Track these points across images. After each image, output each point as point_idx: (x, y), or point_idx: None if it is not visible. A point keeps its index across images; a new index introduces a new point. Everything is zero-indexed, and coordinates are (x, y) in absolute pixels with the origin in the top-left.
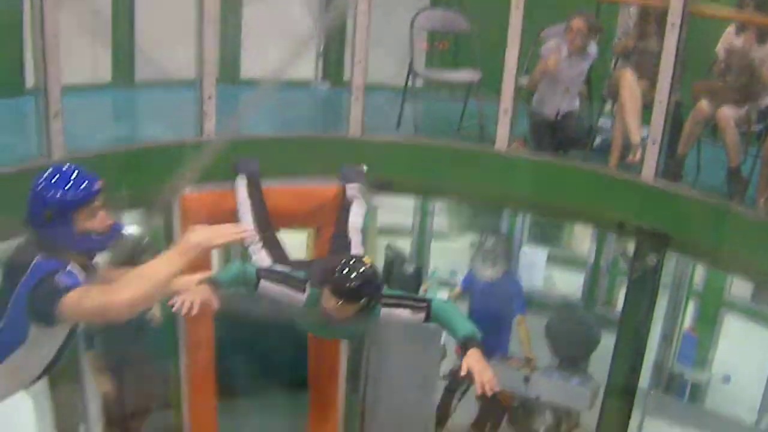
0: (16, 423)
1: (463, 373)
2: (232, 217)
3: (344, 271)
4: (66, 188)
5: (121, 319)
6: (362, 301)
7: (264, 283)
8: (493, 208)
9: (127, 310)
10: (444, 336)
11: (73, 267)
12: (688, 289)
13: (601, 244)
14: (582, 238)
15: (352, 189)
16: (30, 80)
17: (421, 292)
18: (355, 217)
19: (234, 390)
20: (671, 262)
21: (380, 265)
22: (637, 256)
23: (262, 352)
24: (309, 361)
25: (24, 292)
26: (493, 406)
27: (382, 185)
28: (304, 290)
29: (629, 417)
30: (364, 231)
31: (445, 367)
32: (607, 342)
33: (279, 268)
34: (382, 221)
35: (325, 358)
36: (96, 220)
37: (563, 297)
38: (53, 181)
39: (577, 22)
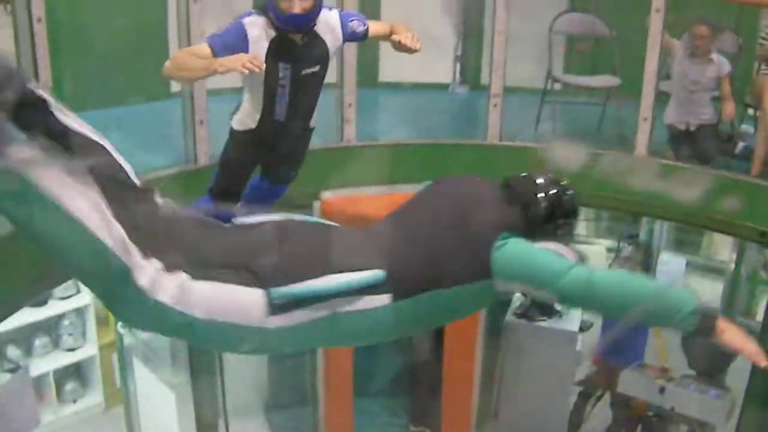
0: (160, 415)
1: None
2: (364, 220)
3: None
4: None
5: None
6: None
7: None
8: (632, 215)
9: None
10: (580, 342)
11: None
12: None
13: (741, 253)
14: (722, 246)
15: None
16: (175, 85)
17: None
18: None
19: (368, 390)
20: None
21: None
22: None
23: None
24: (444, 362)
25: None
26: (626, 415)
27: None
28: None
29: None
30: None
31: (580, 373)
32: None
33: None
34: None
35: (460, 360)
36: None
37: None
38: None
39: (699, 28)
